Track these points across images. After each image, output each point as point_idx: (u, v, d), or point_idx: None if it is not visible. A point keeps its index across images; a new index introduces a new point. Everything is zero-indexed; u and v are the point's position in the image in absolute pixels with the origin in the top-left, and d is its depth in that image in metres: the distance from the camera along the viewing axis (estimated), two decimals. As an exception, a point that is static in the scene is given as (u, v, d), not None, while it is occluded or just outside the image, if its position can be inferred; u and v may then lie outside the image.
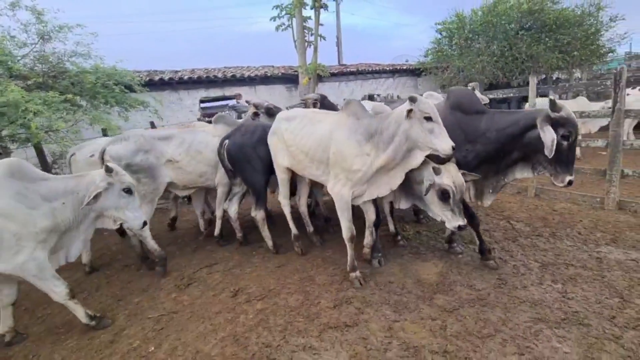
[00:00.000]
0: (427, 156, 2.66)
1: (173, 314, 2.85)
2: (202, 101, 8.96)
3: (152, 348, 2.44)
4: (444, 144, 2.45)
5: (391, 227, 3.72)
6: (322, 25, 9.60)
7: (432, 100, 3.61)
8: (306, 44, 9.40)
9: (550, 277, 2.82)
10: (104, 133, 5.78)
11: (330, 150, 2.90)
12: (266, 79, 9.67)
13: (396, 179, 2.79)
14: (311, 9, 8.97)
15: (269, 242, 3.81)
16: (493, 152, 2.84)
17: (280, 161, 3.43)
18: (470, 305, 2.55)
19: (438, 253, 3.43)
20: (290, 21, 9.78)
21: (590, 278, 2.77)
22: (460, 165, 2.83)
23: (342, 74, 11.08)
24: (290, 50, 9.77)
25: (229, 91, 9.20)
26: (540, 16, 10.18)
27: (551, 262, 3.06)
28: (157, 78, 7.81)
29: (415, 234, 3.97)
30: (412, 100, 2.51)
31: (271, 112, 4.18)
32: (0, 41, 4.77)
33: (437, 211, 2.77)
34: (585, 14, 10.42)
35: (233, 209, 3.92)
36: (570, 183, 2.60)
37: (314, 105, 4.01)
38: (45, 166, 5.12)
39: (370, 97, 10.78)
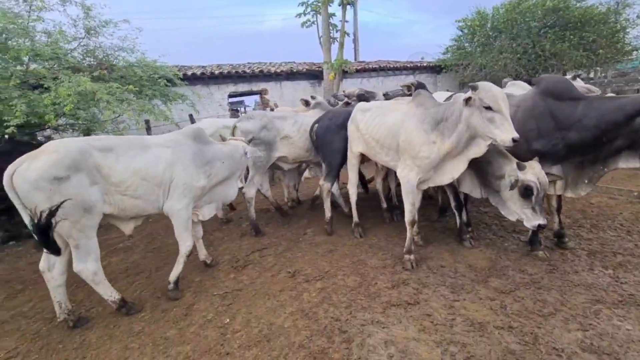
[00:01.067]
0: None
1: (237, 292, 3.03)
2: (230, 96, 9.18)
3: (227, 320, 2.62)
4: (504, 135, 2.48)
5: (463, 218, 3.60)
6: (346, 22, 9.74)
7: (516, 89, 3.68)
8: (331, 40, 9.53)
9: (600, 264, 2.93)
10: (148, 125, 6.02)
11: (400, 138, 3.08)
12: (291, 75, 9.84)
13: (459, 167, 2.93)
14: (339, 5, 9.10)
15: (327, 214, 4.16)
16: (590, 140, 2.68)
17: (355, 148, 3.77)
18: (525, 288, 2.67)
19: (483, 242, 3.55)
20: (316, 18, 9.93)
21: None
22: (547, 154, 2.85)
23: (365, 71, 11.19)
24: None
25: (256, 86, 9.39)
26: (565, 14, 10.13)
27: (598, 250, 3.16)
28: (190, 73, 8.03)
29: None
30: (473, 88, 2.62)
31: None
32: (53, 36, 5.01)
33: (516, 208, 2.85)
34: (610, 11, 10.34)
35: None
36: None
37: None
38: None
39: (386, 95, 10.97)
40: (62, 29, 5.24)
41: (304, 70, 10.05)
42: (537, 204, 2.74)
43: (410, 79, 12.99)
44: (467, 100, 2.64)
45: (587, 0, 10.55)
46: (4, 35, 3.75)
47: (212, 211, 3.34)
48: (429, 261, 3.23)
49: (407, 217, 3.20)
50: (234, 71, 8.77)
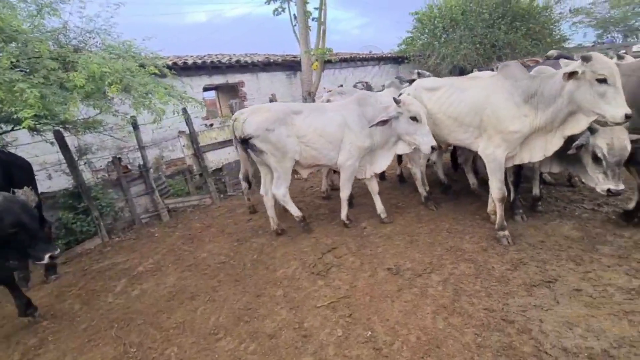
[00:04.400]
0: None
1: (345, 299, 2.61)
2: (204, 89, 8.24)
3: (368, 333, 2.21)
4: (615, 111, 2.31)
5: (535, 191, 3.62)
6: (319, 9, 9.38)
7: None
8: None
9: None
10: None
11: (484, 113, 2.91)
12: (268, 66, 9.20)
13: (552, 144, 2.81)
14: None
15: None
16: None
17: None
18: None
19: (551, 215, 3.57)
20: (287, 4, 9.41)
21: None
22: None
23: (337, 62, 10.98)
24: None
25: (232, 78, 8.57)
26: (514, 5, 11.18)
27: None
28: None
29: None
30: (586, 59, 2.43)
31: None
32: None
33: (591, 173, 2.77)
34: (548, 6, 11.70)
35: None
36: None
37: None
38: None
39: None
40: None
41: (280, 61, 9.48)
42: (608, 168, 2.66)
43: (376, 70, 13.22)
44: (572, 74, 2.48)
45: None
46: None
47: (383, 165, 3.80)
48: (522, 238, 3.16)
49: (496, 194, 3.12)
50: (208, 61, 7.84)
